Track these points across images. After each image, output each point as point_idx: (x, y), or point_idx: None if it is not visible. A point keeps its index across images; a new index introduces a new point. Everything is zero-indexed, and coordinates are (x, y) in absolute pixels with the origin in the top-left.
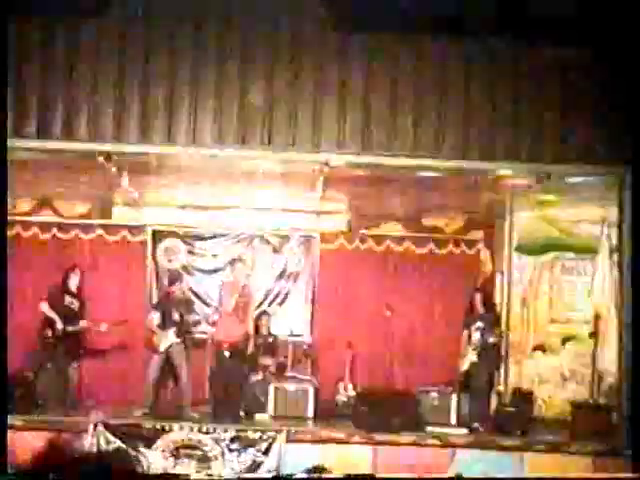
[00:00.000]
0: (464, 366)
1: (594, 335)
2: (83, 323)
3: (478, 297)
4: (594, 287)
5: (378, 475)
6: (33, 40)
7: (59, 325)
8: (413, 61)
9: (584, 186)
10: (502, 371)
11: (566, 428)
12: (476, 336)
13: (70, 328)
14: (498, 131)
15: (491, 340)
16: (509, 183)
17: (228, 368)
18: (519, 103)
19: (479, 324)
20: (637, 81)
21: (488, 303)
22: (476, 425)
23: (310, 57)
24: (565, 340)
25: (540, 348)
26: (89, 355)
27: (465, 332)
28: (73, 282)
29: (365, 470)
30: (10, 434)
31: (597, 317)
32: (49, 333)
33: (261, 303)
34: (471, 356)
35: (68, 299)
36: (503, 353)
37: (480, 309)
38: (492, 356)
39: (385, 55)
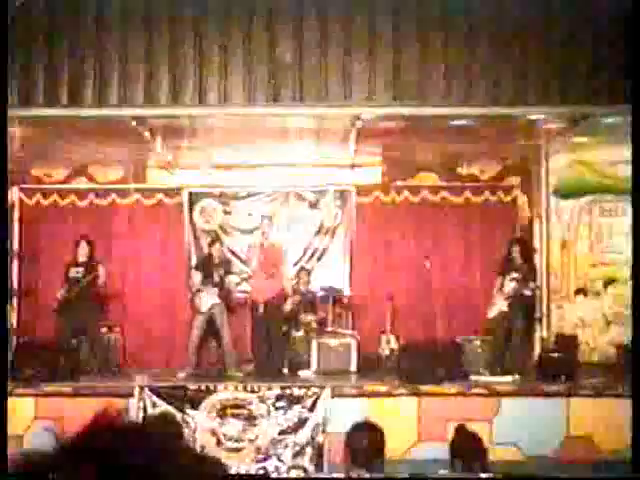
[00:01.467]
0: (492, 313)
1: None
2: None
3: (516, 248)
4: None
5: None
6: (58, 7)
7: (58, 295)
8: (442, 9)
9: (619, 126)
10: (544, 317)
11: (611, 371)
12: (510, 285)
13: (69, 294)
14: (530, 75)
15: (526, 292)
16: (543, 127)
17: (267, 326)
18: (550, 46)
19: (515, 274)
20: None
21: (526, 254)
22: (512, 376)
23: (337, 9)
24: (606, 283)
25: (582, 292)
26: (130, 319)
27: (498, 280)
28: (81, 253)
29: (411, 421)
30: (60, 401)
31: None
32: (54, 304)
33: (299, 260)
34: (501, 305)
35: (74, 270)
36: (545, 299)
37: (518, 260)
38: (525, 307)
39: (413, 3)
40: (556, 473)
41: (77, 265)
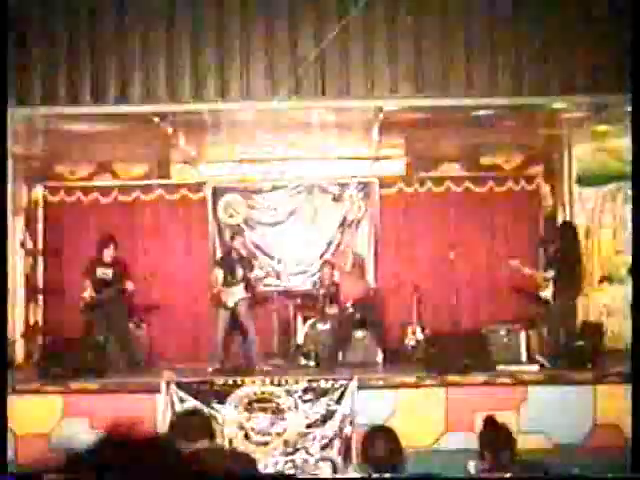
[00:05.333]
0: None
1: None
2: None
3: None
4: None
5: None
6: (78, 4)
7: (86, 294)
8: (463, 1)
9: None
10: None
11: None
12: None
13: (100, 296)
14: (551, 64)
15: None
16: (565, 116)
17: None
18: (571, 34)
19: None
20: None
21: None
22: (541, 360)
23: (358, 2)
24: (631, 269)
25: (606, 279)
26: (156, 315)
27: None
28: (107, 253)
29: (439, 411)
30: (87, 398)
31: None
32: (81, 303)
33: (324, 253)
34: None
35: (101, 270)
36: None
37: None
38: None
39: None
40: (584, 460)
41: (104, 265)
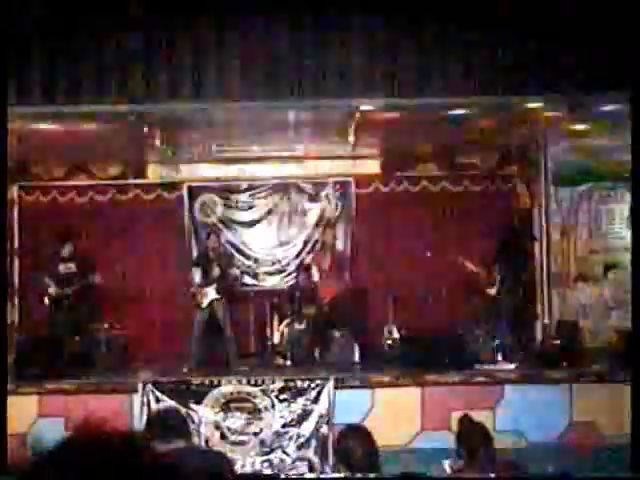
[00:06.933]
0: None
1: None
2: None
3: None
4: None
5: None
6: (57, 4)
7: (51, 290)
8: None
9: (617, 113)
10: (545, 303)
11: (612, 357)
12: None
13: (69, 290)
14: (528, 63)
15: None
16: (541, 115)
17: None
18: (546, 34)
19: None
20: None
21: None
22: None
23: (335, 1)
24: (607, 269)
25: (582, 278)
26: (132, 315)
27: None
28: (67, 250)
29: (415, 411)
30: (63, 398)
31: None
32: (46, 300)
33: (300, 252)
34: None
35: (63, 265)
36: (545, 286)
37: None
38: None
39: None
40: (559, 459)
41: (65, 260)
